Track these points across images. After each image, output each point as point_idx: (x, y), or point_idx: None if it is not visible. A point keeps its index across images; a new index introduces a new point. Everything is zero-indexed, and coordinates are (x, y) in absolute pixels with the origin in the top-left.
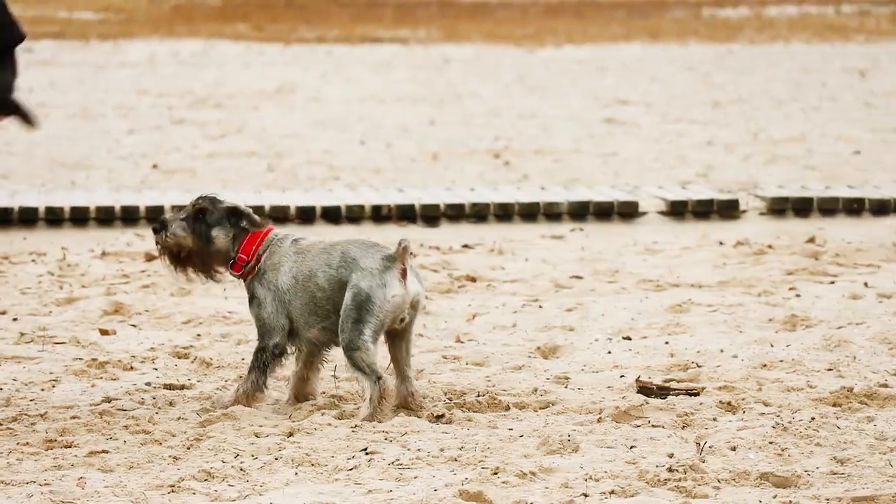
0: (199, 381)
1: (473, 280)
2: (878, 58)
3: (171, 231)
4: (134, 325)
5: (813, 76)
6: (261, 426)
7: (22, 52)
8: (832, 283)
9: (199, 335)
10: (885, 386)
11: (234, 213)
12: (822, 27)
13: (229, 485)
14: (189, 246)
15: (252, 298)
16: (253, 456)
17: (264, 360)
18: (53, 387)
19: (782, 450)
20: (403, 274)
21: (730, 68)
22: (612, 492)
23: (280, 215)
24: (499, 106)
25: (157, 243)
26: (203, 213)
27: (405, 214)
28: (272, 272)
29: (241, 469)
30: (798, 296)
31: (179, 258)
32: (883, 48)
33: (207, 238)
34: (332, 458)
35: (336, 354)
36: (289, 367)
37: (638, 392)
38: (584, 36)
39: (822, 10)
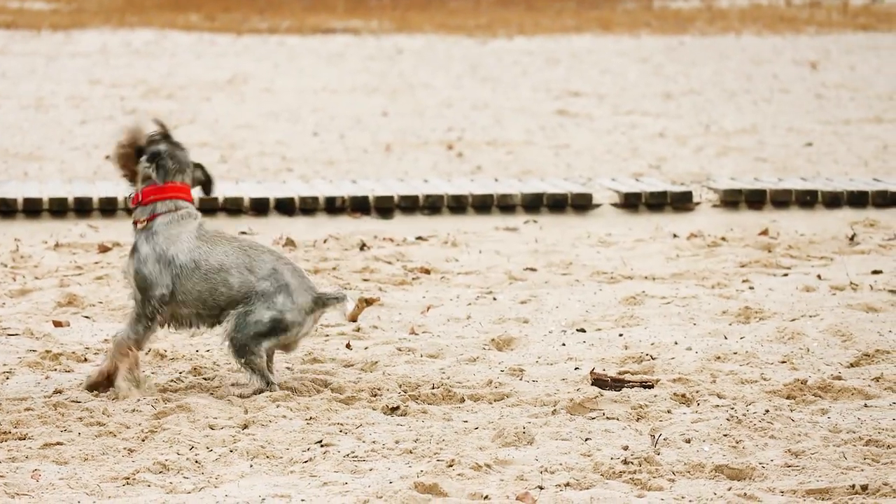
0: (153, 373)
1: (427, 272)
2: (828, 50)
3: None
4: (88, 317)
5: (764, 68)
6: (215, 418)
7: None
8: (785, 275)
9: None
10: (839, 378)
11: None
12: (773, 19)
13: (184, 477)
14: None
15: (136, 251)
16: (208, 448)
17: (152, 309)
18: (7, 378)
19: (737, 442)
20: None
21: (681, 60)
22: (568, 484)
23: (234, 207)
24: (451, 97)
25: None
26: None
27: (359, 206)
28: (167, 241)
29: (197, 461)
30: (752, 288)
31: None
32: (833, 40)
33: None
34: (287, 450)
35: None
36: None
37: (592, 384)
38: (536, 27)
39: (772, 2)
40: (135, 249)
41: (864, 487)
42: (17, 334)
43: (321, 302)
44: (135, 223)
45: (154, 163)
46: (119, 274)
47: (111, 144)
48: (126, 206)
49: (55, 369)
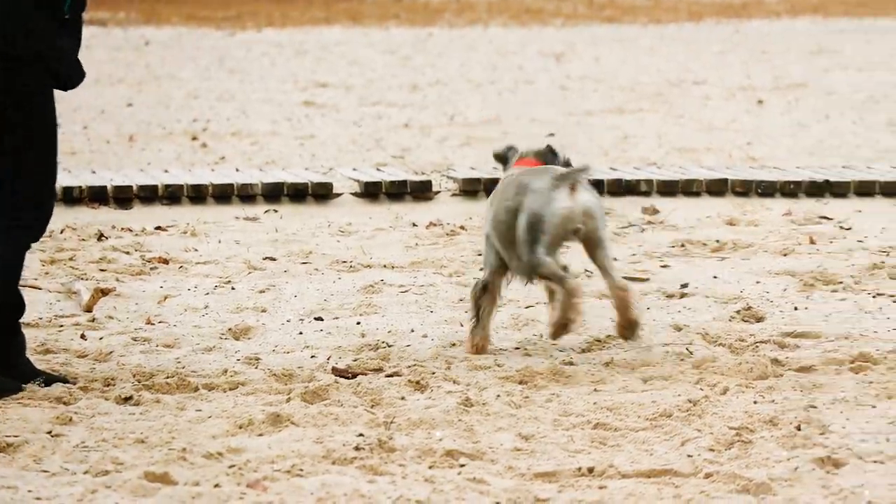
0: None
1: (166, 262)
2: (574, 42)
3: None
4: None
5: (510, 59)
6: None
7: None
8: None
9: None
10: (570, 364)
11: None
12: (520, 11)
13: None
14: None
15: None
16: None
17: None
18: None
19: (469, 427)
20: (573, 188)
21: (429, 52)
22: (300, 471)
23: None
24: (198, 88)
25: None
26: None
27: (97, 196)
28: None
29: None
30: None
31: None
32: (578, 32)
33: None
34: (16, 438)
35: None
36: None
37: (329, 372)
38: (286, 19)
39: None
40: None
41: (591, 469)
42: None
43: (561, 176)
44: None
45: None
46: None
47: None
48: None
49: None
